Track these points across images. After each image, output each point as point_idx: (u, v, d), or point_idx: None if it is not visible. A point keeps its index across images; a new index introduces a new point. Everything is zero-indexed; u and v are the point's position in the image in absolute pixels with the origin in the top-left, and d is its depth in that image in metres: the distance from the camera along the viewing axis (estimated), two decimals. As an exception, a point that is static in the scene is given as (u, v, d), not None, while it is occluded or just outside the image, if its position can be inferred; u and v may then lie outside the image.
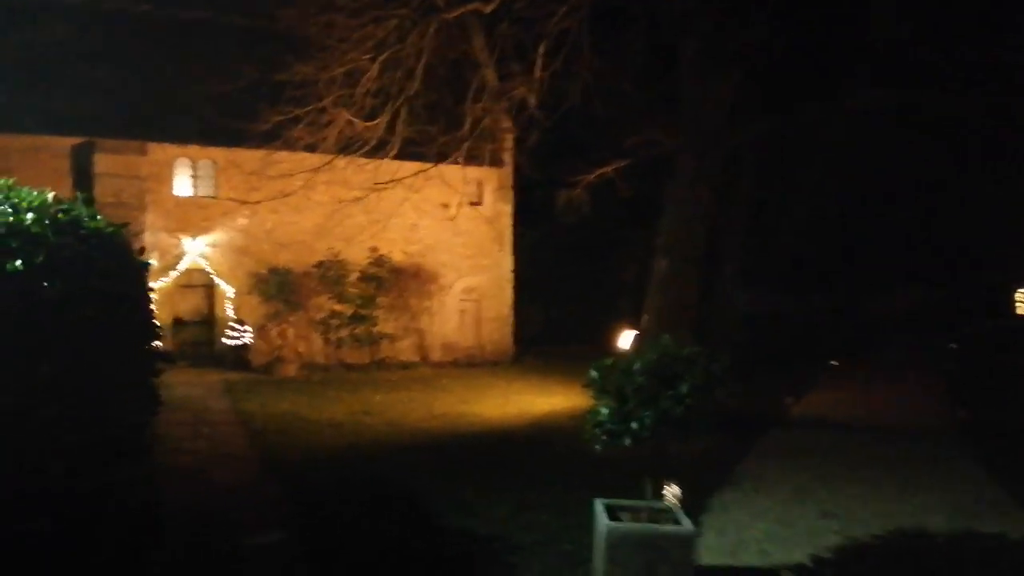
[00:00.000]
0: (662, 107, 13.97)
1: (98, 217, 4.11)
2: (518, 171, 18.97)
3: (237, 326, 16.24)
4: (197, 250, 16.32)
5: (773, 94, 15.14)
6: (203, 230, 16.39)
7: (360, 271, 17.24)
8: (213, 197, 16.46)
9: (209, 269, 16.46)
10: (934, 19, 13.37)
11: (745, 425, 10.34)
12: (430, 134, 13.22)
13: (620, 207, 19.88)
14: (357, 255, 17.26)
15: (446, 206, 17.54)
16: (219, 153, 16.26)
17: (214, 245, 16.52)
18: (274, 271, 16.59)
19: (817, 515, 7.10)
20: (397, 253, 17.97)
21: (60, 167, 14.83)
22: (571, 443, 8.01)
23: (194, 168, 16.47)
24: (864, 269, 25.30)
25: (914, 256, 25.67)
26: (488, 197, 19.25)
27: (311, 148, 12.66)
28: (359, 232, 17.21)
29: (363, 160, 12.98)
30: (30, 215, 3.66)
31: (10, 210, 3.64)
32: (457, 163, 13.17)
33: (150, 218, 15.74)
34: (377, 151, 12.63)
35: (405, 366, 17.56)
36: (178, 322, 16.47)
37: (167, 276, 15.91)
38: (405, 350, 18.20)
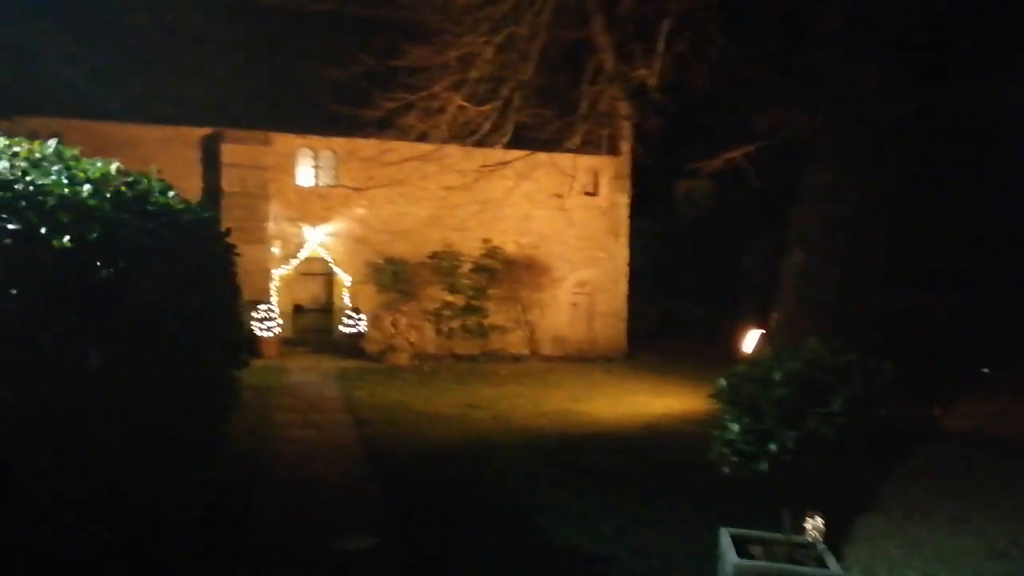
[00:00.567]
0: (796, 88, 12.81)
1: (171, 193, 3.78)
2: (636, 160, 18.18)
3: (353, 314, 16.45)
4: (317, 239, 16.63)
5: (926, 65, 13.55)
6: (323, 219, 16.67)
7: (473, 262, 17.11)
8: (333, 186, 16.71)
9: (328, 258, 16.76)
10: None
11: (890, 439, 9.23)
12: (544, 119, 12.74)
13: (746, 197, 18.66)
14: (470, 246, 17.14)
15: (560, 196, 17.09)
16: (339, 143, 16.47)
17: (333, 234, 16.79)
18: (389, 261, 16.73)
19: (985, 553, 6.08)
20: (510, 244, 17.68)
21: (191, 157, 15.45)
22: (691, 454, 7.30)
23: (315, 158, 16.78)
24: (1011, 266, 22.66)
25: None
26: (604, 187, 18.58)
27: (423, 137, 12.50)
28: (472, 222, 17.12)
29: (475, 149, 12.70)
30: (87, 187, 3.27)
31: (65, 181, 3.24)
32: (571, 149, 12.64)
33: (274, 207, 16.16)
34: (489, 138, 12.30)
35: (515, 359, 17.28)
36: (298, 309, 16.88)
37: (289, 264, 16.34)
38: (515, 343, 17.90)
